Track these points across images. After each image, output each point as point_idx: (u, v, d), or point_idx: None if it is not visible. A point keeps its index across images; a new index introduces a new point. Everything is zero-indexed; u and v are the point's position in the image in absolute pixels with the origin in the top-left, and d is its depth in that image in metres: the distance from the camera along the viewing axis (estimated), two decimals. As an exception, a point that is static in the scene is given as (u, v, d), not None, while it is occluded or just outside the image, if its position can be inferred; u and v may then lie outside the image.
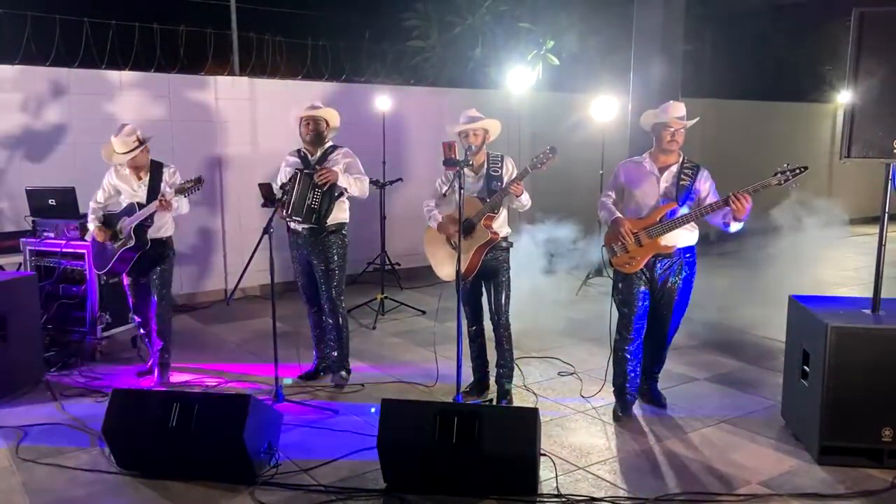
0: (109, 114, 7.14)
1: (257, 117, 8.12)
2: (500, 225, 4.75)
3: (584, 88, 10.26)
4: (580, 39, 11.32)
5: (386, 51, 10.44)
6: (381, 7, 11.74)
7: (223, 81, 7.97)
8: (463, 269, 4.55)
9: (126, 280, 5.31)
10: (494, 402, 4.85)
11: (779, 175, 4.13)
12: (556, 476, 3.85)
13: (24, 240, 6.01)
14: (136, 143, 5.03)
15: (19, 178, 6.74)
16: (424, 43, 11.47)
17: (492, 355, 4.98)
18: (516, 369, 5.09)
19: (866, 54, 3.98)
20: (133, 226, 5.02)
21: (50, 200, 6.09)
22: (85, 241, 5.58)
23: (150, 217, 5.06)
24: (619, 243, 4.52)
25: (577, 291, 8.16)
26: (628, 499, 3.67)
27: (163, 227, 5.22)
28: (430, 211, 4.93)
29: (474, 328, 5.02)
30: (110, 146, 5.05)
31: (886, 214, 4.10)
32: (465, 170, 4.54)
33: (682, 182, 4.46)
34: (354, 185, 5.01)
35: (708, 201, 4.44)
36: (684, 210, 4.44)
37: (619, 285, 4.62)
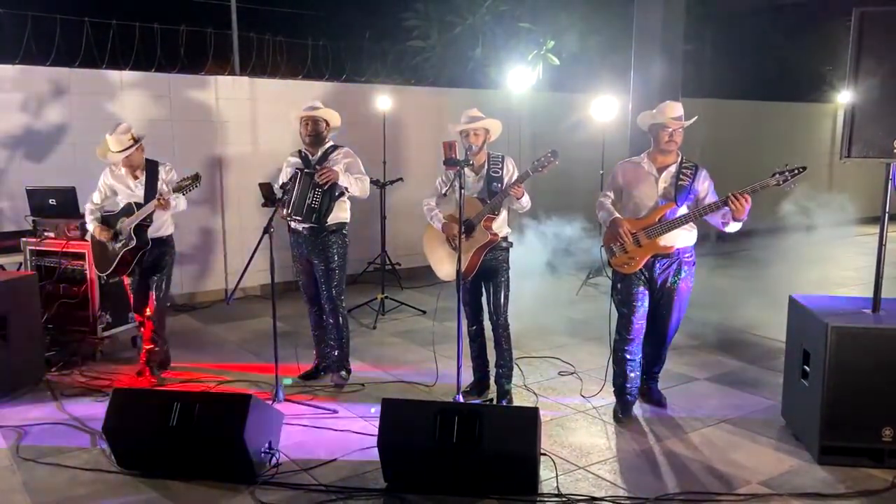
0: (110, 114, 7.15)
1: (258, 117, 8.12)
2: (500, 225, 4.75)
3: (585, 88, 10.26)
4: (580, 39, 11.32)
5: (386, 51, 10.45)
6: (382, 7, 11.75)
7: (223, 81, 7.97)
8: (462, 269, 4.55)
9: (127, 280, 5.31)
10: (494, 402, 4.85)
11: (777, 175, 4.13)
12: (557, 476, 3.85)
13: (24, 239, 6.01)
14: (131, 142, 5.03)
15: (20, 178, 6.75)
16: (425, 43, 11.48)
17: (492, 355, 4.98)
18: (516, 369, 5.09)
19: (867, 54, 3.98)
20: (133, 226, 5.02)
21: (50, 200, 6.10)
22: (85, 240, 5.58)
23: (149, 216, 5.07)
24: (618, 244, 4.52)
25: (577, 291, 8.16)
26: (629, 498, 3.67)
27: (162, 225, 5.23)
28: (431, 211, 4.93)
29: (474, 328, 5.02)
30: (105, 145, 5.05)
31: (887, 214, 4.10)
32: (466, 170, 4.54)
33: (680, 182, 4.46)
34: (355, 184, 5.01)
35: (707, 201, 4.43)
36: (683, 210, 4.44)
37: (619, 285, 4.62)
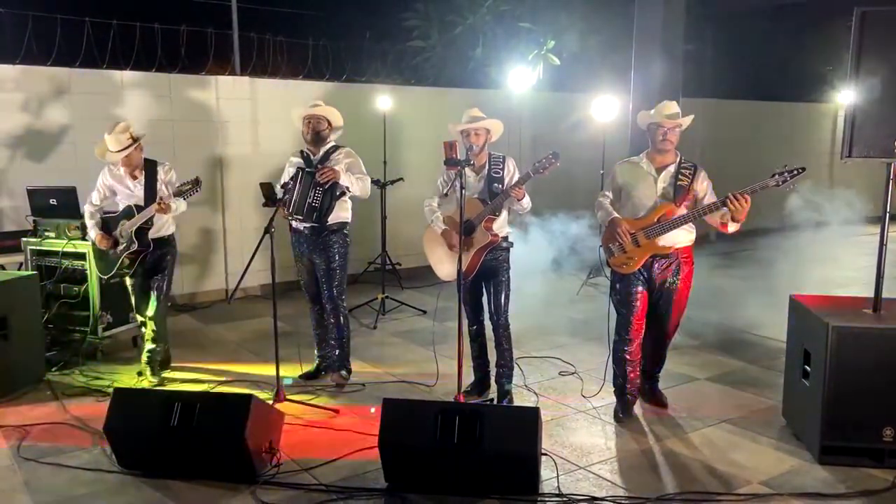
0: (111, 114, 7.14)
1: (258, 117, 8.12)
2: (500, 226, 4.75)
3: (585, 88, 10.26)
4: (581, 39, 11.32)
5: (387, 51, 10.45)
6: (382, 7, 11.75)
7: (224, 81, 7.97)
8: (462, 269, 4.54)
9: (129, 281, 5.31)
10: (495, 402, 4.85)
11: (777, 176, 4.11)
12: (558, 475, 3.86)
13: (25, 239, 6.01)
14: (130, 141, 5.02)
15: (20, 178, 6.75)
16: (425, 43, 11.47)
17: (492, 355, 4.97)
18: (517, 369, 5.09)
19: (868, 54, 3.98)
20: (133, 229, 5.02)
21: (51, 200, 6.10)
22: (85, 240, 5.58)
23: (150, 218, 5.06)
24: (617, 244, 4.51)
25: (578, 291, 8.16)
26: (629, 498, 3.67)
27: (163, 226, 5.23)
28: (433, 212, 4.93)
29: (474, 328, 5.02)
30: (103, 144, 5.05)
31: (888, 214, 4.10)
32: (467, 170, 4.54)
33: (679, 182, 4.45)
34: (356, 184, 5.01)
35: (705, 202, 4.43)
36: (682, 211, 4.43)
37: (617, 286, 4.62)
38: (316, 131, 5.06)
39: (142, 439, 3.88)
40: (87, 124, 7.05)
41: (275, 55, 8.97)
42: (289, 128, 7.97)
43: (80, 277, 5.75)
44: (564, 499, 3.65)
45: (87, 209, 5.26)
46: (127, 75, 7.41)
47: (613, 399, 4.74)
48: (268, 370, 5.30)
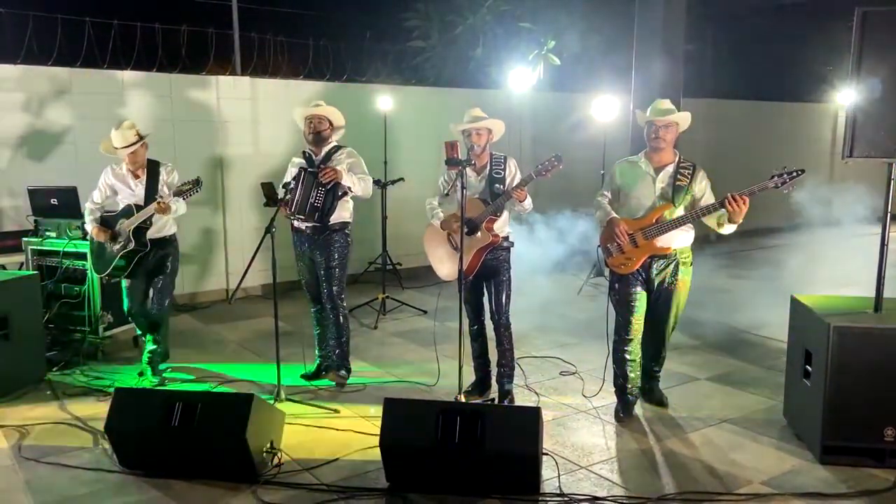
0: (111, 113, 7.14)
1: (259, 117, 8.12)
2: (501, 226, 4.75)
3: (586, 88, 10.27)
4: (581, 39, 11.32)
5: (387, 51, 10.46)
6: (382, 7, 11.75)
7: (225, 81, 7.97)
8: (463, 269, 4.54)
9: (125, 282, 5.27)
10: (496, 402, 4.85)
11: (776, 178, 4.10)
12: (559, 475, 3.85)
13: (26, 239, 6.02)
14: (136, 138, 5.03)
15: (21, 178, 6.75)
16: (425, 43, 11.47)
17: (493, 355, 4.97)
18: (518, 369, 5.09)
19: (868, 54, 3.98)
20: (132, 228, 5.01)
21: (52, 200, 6.10)
22: (86, 240, 5.57)
23: (149, 218, 5.06)
24: (615, 244, 4.51)
25: (578, 291, 8.16)
26: (630, 498, 3.67)
27: (165, 226, 5.22)
28: (434, 209, 4.93)
29: (475, 327, 5.02)
30: (109, 141, 5.05)
31: (889, 214, 4.10)
32: (468, 170, 4.55)
33: (678, 183, 4.44)
34: (358, 184, 5.01)
35: (704, 202, 4.42)
36: (680, 211, 4.43)
37: (616, 285, 4.61)
38: (317, 131, 5.06)
39: (143, 439, 3.88)
40: (88, 124, 7.05)
41: (275, 55, 8.97)
42: (289, 128, 8.00)
43: (81, 277, 5.75)
44: (566, 498, 3.65)
45: (87, 206, 5.25)
46: (128, 75, 7.42)
47: (614, 399, 4.74)
48: (269, 370, 5.31)
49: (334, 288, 5.14)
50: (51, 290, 5.78)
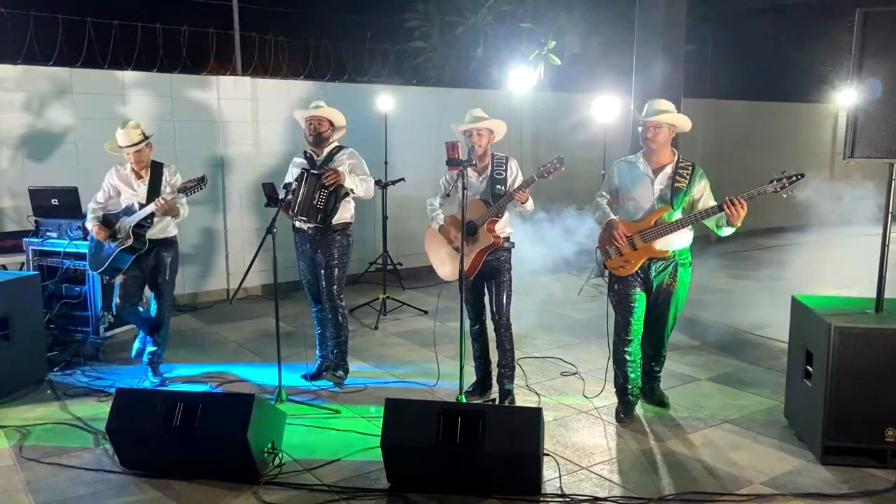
0: (112, 113, 7.15)
1: (259, 117, 8.12)
2: (503, 227, 4.74)
3: (586, 88, 10.27)
4: (582, 39, 11.32)
5: (388, 51, 10.45)
6: (383, 7, 11.76)
7: (225, 81, 7.98)
8: (464, 269, 4.54)
9: (119, 278, 5.20)
10: (497, 403, 4.85)
11: (775, 182, 4.08)
12: (560, 476, 3.86)
13: (26, 239, 6.02)
14: (141, 137, 5.04)
15: (22, 178, 6.75)
16: (426, 43, 11.48)
17: (494, 355, 4.97)
18: (518, 369, 5.10)
19: (869, 54, 3.98)
20: (132, 225, 5.00)
21: (53, 200, 6.09)
22: (87, 240, 5.57)
23: (150, 218, 5.05)
24: (614, 246, 4.50)
25: (579, 291, 8.16)
26: (631, 499, 3.67)
27: (167, 226, 5.20)
28: (434, 210, 4.93)
29: (476, 328, 5.02)
30: (114, 140, 5.06)
31: (890, 214, 4.09)
32: (469, 170, 4.55)
33: (676, 185, 4.41)
34: (360, 185, 5.02)
35: (702, 203, 4.41)
36: (678, 214, 4.42)
37: (615, 286, 4.60)
38: (317, 132, 5.07)
39: (144, 439, 3.88)
40: (89, 124, 7.06)
41: (276, 55, 8.97)
42: (290, 128, 8.01)
43: (82, 277, 5.75)
44: (567, 499, 3.65)
45: (90, 205, 5.23)
46: (128, 75, 7.42)
47: (615, 399, 4.74)
48: (270, 370, 5.31)
49: (334, 287, 5.14)
50: (52, 290, 5.78)
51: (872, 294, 4.22)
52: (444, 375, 5.16)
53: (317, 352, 5.47)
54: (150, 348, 5.32)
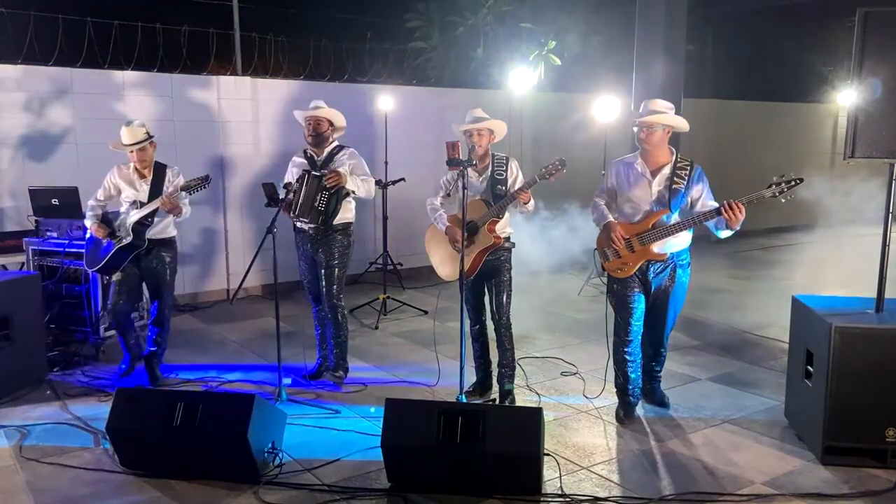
0: (112, 113, 7.15)
1: (259, 117, 8.12)
2: (503, 227, 4.74)
3: (587, 88, 10.26)
4: (582, 39, 11.32)
5: (388, 51, 10.45)
6: (383, 7, 11.75)
7: (226, 81, 7.98)
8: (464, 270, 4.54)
9: (116, 276, 5.15)
10: (497, 403, 4.85)
11: (774, 187, 4.06)
12: (560, 476, 3.85)
13: (27, 239, 6.02)
14: (145, 136, 5.04)
15: (22, 178, 6.76)
16: (426, 43, 11.47)
17: (494, 355, 4.97)
18: (518, 369, 5.09)
19: (870, 54, 3.97)
20: (132, 223, 4.99)
21: (53, 200, 6.10)
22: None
23: (151, 217, 5.04)
24: (612, 248, 4.49)
25: (579, 291, 8.16)
26: (632, 499, 3.67)
27: (167, 226, 5.19)
28: (436, 211, 4.93)
29: (476, 328, 5.02)
30: (119, 139, 5.06)
31: (890, 214, 4.09)
32: (469, 170, 4.55)
33: (675, 186, 4.38)
34: (361, 187, 5.03)
35: (701, 203, 4.39)
36: (676, 217, 4.39)
37: (615, 286, 4.59)
38: (317, 132, 5.07)
39: (144, 439, 3.88)
40: (89, 124, 7.06)
41: (276, 55, 8.97)
42: (290, 128, 8.00)
43: (82, 277, 5.75)
44: (567, 499, 3.65)
45: (89, 203, 5.21)
46: (128, 75, 7.42)
47: (615, 399, 4.73)
48: (270, 370, 5.31)
49: (333, 287, 5.14)
50: (52, 290, 5.77)
51: (872, 294, 4.22)
52: (444, 375, 5.16)
53: (317, 352, 5.47)
54: (150, 349, 5.31)
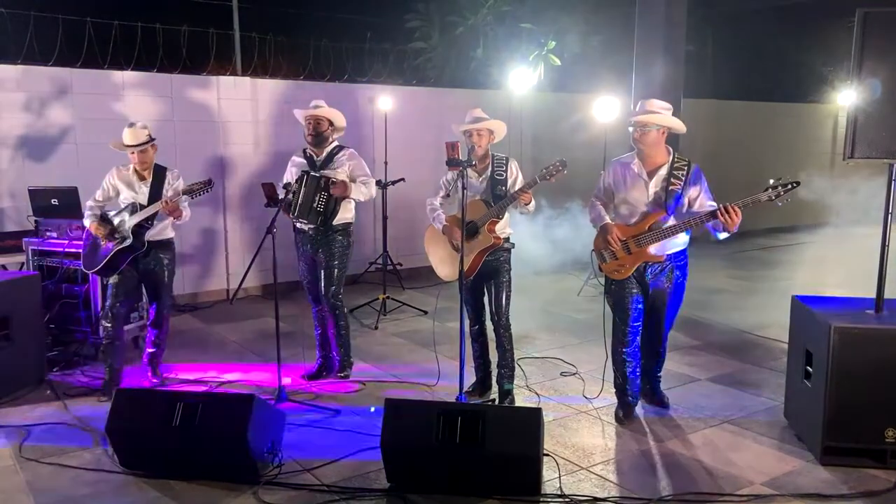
0: (112, 113, 7.16)
1: (259, 117, 8.13)
2: (503, 227, 4.74)
3: (586, 89, 10.26)
4: (582, 40, 11.32)
5: (388, 51, 10.45)
6: (383, 8, 11.76)
7: (225, 81, 7.98)
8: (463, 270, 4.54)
9: (113, 279, 5.10)
10: (497, 403, 4.85)
11: (770, 190, 4.04)
12: (560, 476, 3.86)
13: (26, 239, 6.02)
14: (147, 138, 5.03)
15: (22, 178, 6.76)
16: (426, 43, 11.47)
17: (494, 355, 4.97)
18: (518, 370, 5.10)
19: (869, 55, 3.98)
20: (132, 225, 4.99)
21: (53, 200, 6.10)
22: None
23: (151, 219, 5.03)
24: (608, 250, 4.49)
25: (579, 292, 8.16)
26: (631, 499, 3.67)
27: (165, 228, 5.17)
28: (435, 210, 4.93)
29: (476, 328, 5.02)
30: (120, 140, 5.05)
31: (890, 214, 4.09)
32: (469, 171, 4.54)
33: (671, 187, 4.36)
34: (363, 193, 5.07)
35: (698, 203, 4.37)
36: (673, 219, 4.37)
37: (613, 287, 4.58)
38: (317, 132, 5.07)
39: (144, 439, 3.88)
40: (89, 124, 7.06)
41: (276, 55, 8.98)
42: (290, 128, 8.00)
43: (82, 277, 5.74)
44: (566, 499, 3.65)
45: (88, 203, 5.17)
46: (128, 75, 7.42)
47: (615, 400, 4.73)
48: (269, 370, 5.30)
49: (333, 287, 5.14)
50: (51, 290, 5.77)
51: (872, 294, 4.22)
52: (443, 376, 5.16)
53: (316, 352, 5.47)
54: (150, 350, 5.31)
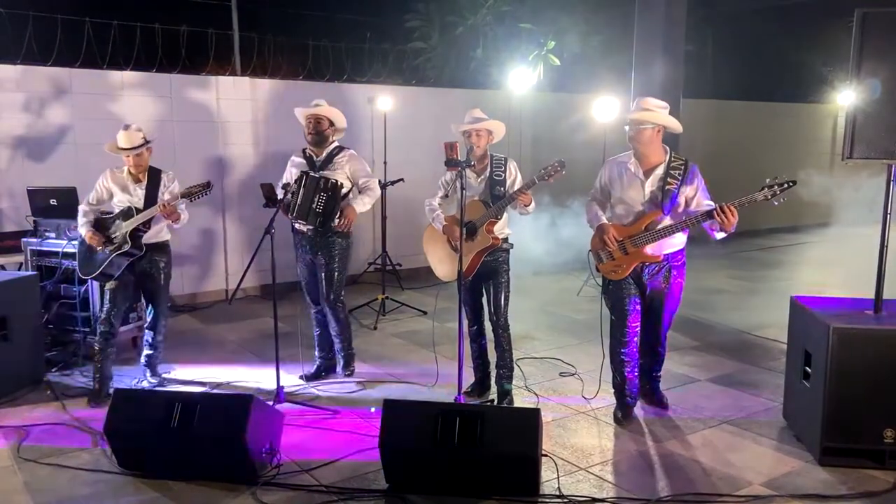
0: (111, 114, 7.15)
1: (258, 117, 8.12)
2: (501, 228, 4.74)
3: (586, 89, 10.26)
4: (582, 40, 11.32)
5: (387, 51, 10.45)
6: (383, 8, 11.76)
7: (224, 81, 7.97)
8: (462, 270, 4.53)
9: (110, 284, 5.04)
10: (495, 403, 4.84)
11: (766, 190, 4.03)
12: (558, 477, 3.85)
13: (25, 239, 6.01)
14: (143, 141, 5.01)
15: (21, 178, 6.75)
16: (426, 43, 11.47)
17: (492, 356, 4.97)
18: (517, 370, 5.09)
19: (868, 55, 3.98)
20: (129, 230, 4.95)
21: (51, 200, 6.09)
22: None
23: (147, 222, 5.01)
24: (605, 250, 4.48)
25: (578, 292, 8.16)
26: (630, 499, 3.67)
27: (160, 231, 5.13)
28: (434, 210, 4.92)
29: (474, 328, 5.02)
30: (115, 142, 5.02)
31: (889, 215, 4.08)
32: (468, 171, 4.54)
33: (668, 187, 4.34)
34: (369, 202, 5.11)
35: (695, 202, 4.36)
36: (669, 219, 4.37)
37: (610, 286, 4.57)
38: (318, 131, 5.06)
39: (142, 440, 3.88)
40: (88, 124, 7.06)
41: (275, 56, 8.98)
42: (289, 128, 7.98)
43: (80, 278, 5.73)
44: (565, 500, 3.65)
45: (81, 208, 5.10)
46: (127, 75, 7.42)
47: (614, 400, 4.73)
48: (268, 371, 5.30)
49: (333, 290, 5.14)
50: (50, 290, 5.77)
51: (871, 294, 4.21)
52: (442, 376, 5.16)
53: (315, 352, 5.46)
54: (147, 351, 5.30)
